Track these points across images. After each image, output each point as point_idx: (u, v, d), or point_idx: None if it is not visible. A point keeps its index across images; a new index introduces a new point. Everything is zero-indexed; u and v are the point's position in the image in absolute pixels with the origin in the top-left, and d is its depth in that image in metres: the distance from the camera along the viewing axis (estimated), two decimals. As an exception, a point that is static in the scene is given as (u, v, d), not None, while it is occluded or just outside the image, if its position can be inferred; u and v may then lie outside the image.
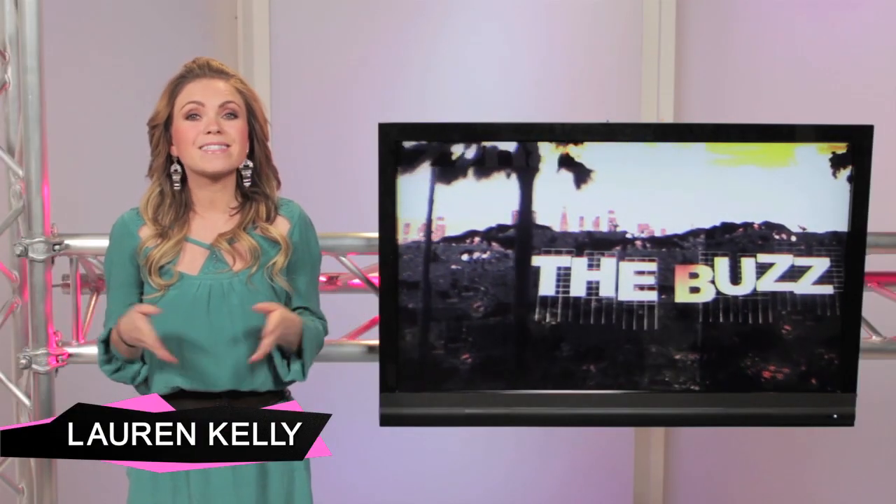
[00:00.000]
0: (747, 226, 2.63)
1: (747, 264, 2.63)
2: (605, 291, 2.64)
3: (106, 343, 2.29)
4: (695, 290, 2.65)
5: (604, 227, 2.62)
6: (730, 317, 2.65)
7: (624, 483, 3.85)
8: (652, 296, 2.64)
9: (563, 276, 2.64)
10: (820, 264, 2.64)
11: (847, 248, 2.61)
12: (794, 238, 2.63)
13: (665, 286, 2.64)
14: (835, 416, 2.69)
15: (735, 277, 2.64)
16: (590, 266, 2.63)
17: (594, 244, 2.62)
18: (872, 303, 2.87)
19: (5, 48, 2.74)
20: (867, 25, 3.52)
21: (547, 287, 2.63)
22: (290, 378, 2.32)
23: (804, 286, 2.64)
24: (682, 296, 2.64)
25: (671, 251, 2.63)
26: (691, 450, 3.84)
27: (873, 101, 3.42)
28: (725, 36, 3.68)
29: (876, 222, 2.66)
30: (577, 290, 2.64)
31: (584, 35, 3.66)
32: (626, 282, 2.63)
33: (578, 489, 3.84)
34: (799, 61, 3.58)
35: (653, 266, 2.64)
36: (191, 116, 2.24)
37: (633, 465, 3.85)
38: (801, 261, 2.64)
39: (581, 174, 2.60)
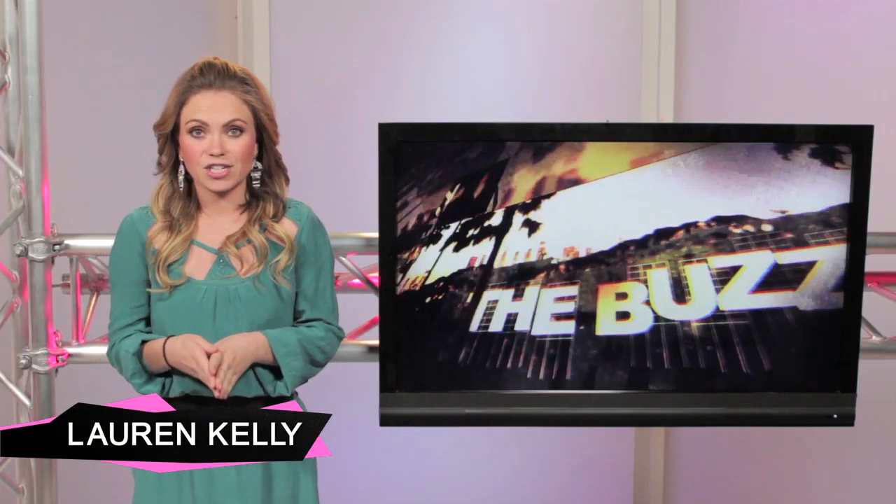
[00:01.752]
0: (689, 226, 2.46)
1: (696, 273, 2.46)
2: (521, 325, 2.57)
3: (138, 356, 2.27)
4: (623, 315, 2.52)
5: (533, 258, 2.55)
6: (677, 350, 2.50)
7: (624, 483, 3.85)
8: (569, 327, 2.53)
9: (488, 311, 2.59)
10: (821, 254, 2.48)
11: (847, 248, 2.61)
12: (769, 227, 2.50)
13: (585, 313, 2.50)
14: (835, 416, 2.69)
15: (679, 294, 2.49)
16: (514, 297, 2.56)
17: (522, 275, 2.55)
18: (872, 303, 2.87)
19: (5, 48, 2.74)
20: (867, 25, 3.52)
21: (473, 324, 2.60)
22: (277, 395, 2.32)
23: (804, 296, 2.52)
24: (606, 325, 2.51)
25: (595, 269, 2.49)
26: (691, 450, 3.84)
27: (873, 101, 3.42)
28: (725, 36, 3.67)
29: (876, 222, 2.66)
30: (496, 324, 2.58)
31: (584, 35, 3.66)
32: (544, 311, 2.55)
33: (579, 489, 3.84)
34: (799, 61, 3.58)
35: (573, 290, 2.51)
36: (195, 131, 2.23)
37: (633, 465, 3.85)
38: (788, 256, 2.54)
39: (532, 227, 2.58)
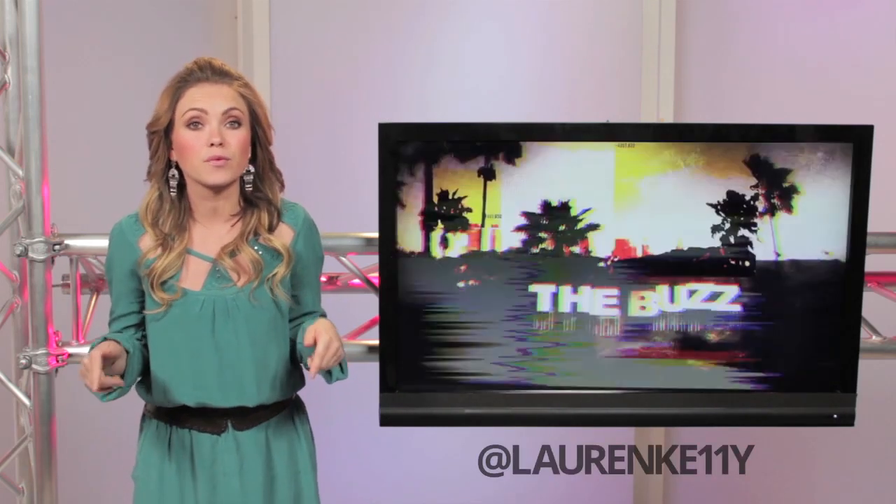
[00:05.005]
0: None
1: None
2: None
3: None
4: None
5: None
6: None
7: (625, 483, 3.85)
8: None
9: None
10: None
11: (847, 248, 2.60)
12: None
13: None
14: (835, 416, 2.69)
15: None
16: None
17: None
18: (872, 303, 2.87)
19: (5, 48, 2.74)
20: (867, 25, 3.52)
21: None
22: (337, 379, 2.28)
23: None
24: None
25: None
26: (691, 450, 3.84)
27: (873, 101, 3.42)
28: (725, 36, 3.67)
29: (876, 222, 2.66)
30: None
31: (584, 35, 3.66)
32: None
33: (579, 489, 3.84)
34: (799, 61, 3.58)
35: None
36: (193, 125, 2.18)
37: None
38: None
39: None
